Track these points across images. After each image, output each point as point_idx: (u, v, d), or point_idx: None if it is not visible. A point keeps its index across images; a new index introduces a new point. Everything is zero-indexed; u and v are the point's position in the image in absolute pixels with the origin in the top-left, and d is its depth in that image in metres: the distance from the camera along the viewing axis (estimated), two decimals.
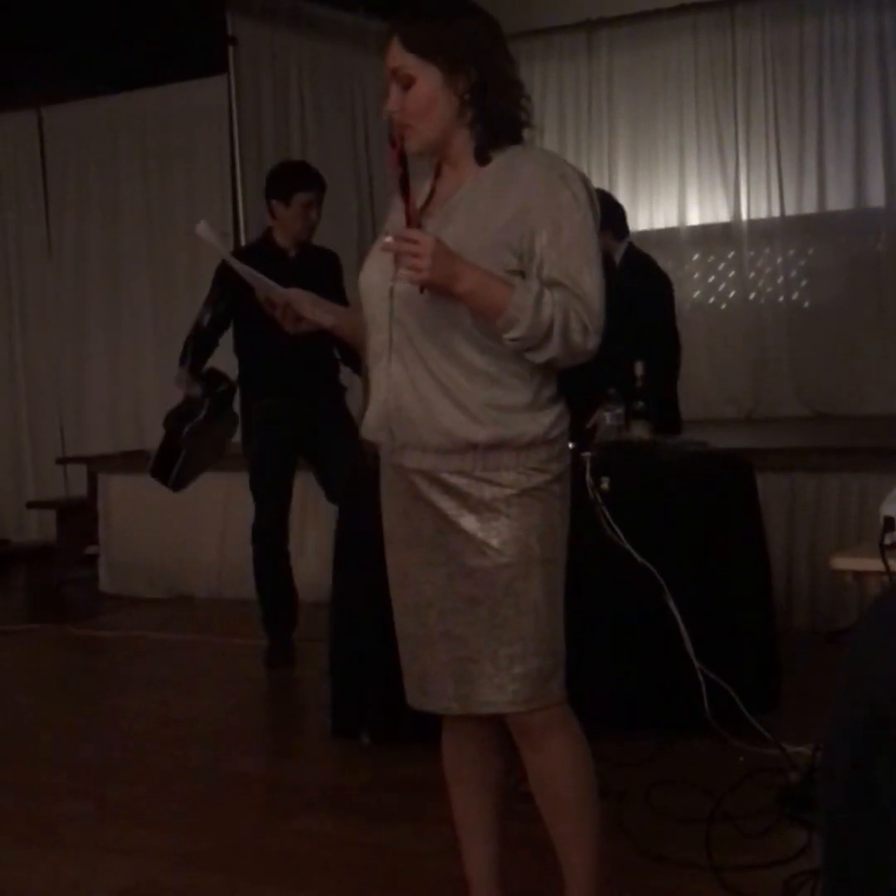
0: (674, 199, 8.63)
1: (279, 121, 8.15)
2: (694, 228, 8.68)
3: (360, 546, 3.92)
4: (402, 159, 2.22)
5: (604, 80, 8.87)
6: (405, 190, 2.22)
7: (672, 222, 8.69)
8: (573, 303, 2.24)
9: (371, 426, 2.39)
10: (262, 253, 5.01)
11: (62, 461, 8.23)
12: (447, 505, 2.32)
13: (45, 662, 5.78)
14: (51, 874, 3.16)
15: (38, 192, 8.75)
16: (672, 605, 3.62)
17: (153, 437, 8.23)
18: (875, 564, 2.55)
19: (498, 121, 2.31)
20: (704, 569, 3.91)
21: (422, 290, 2.20)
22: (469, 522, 2.31)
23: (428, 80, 2.27)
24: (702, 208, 8.65)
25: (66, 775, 3.99)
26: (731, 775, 3.39)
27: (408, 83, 2.27)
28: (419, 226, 2.22)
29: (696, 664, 3.65)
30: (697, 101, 8.50)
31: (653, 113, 8.63)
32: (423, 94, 2.27)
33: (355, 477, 4.44)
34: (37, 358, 8.83)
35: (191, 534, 6.89)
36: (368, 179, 8.64)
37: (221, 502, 6.80)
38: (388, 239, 2.20)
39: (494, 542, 2.31)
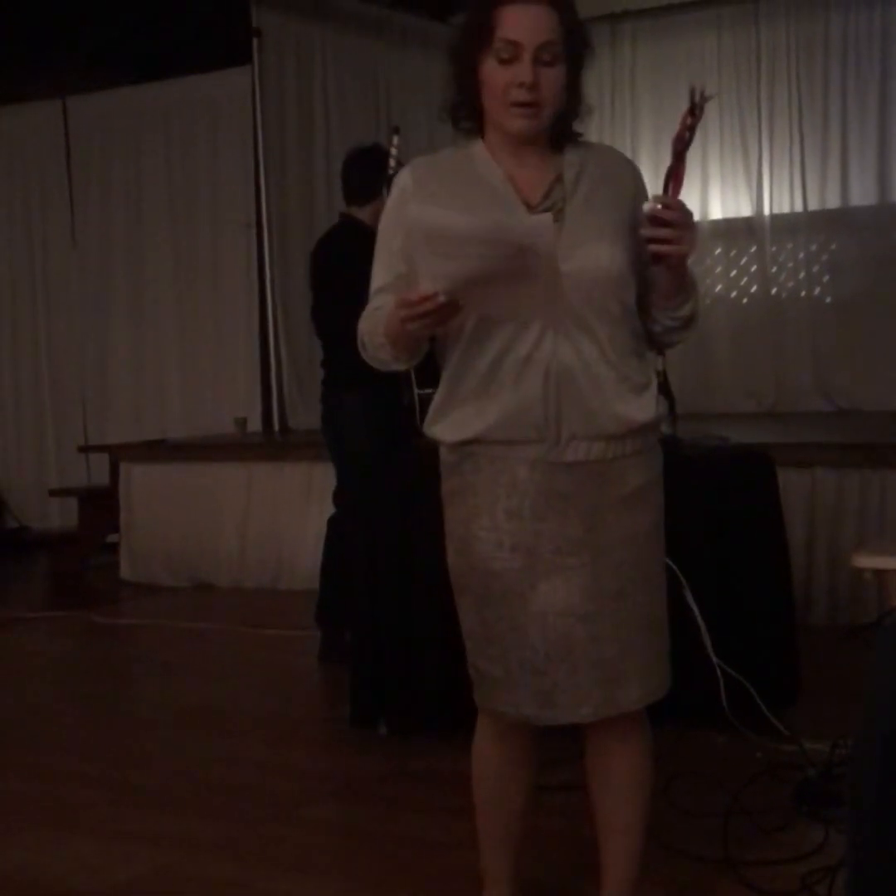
0: (696, 193, 8.61)
1: (303, 111, 8.17)
2: (716, 222, 8.66)
3: (379, 540, 3.93)
4: (695, 125, 2.08)
5: (627, 73, 8.86)
6: (682, 156, 2.12)
7: (694, 216, 8.66)
8: (694, 283, 2.33)
9: (507, 422, 2.24)
10: (360, 236, 4.63)
11: (84, 449, 8.28)
12: (603, 496, 2.26)
13: (65, 649, 5.81)
14: (68, 859, 3.19)
15: (62, 182, 8.79)
16: (690, 599, 3.62)
17: (175, 426, 8.30)
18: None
19: (577, 114, 2.32)
20: (724, 564, 3.91)
21: (657, 261, 2.17)
22: (622, 512, 2.28)
23: (564, 64, 2.22)
24: (724, 202, 8.64)
25: (85, 761, 4.01)
26: (748, 771, 3.40)
27: (552, 61, 2.19)
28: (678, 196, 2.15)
29: (715, 659, 3.65)
30: (721, 95, 8.47)
31: (675, 106, 8.59)
32: (561, 77, 2.22)
33: (378, 469, 4.45)
34: (60, 346, 8.87)
35: (212, 522, 6.92)
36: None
37: (243, 491, 6.83)
38: (649, 204, 2.12)
39: (642, 529, 2.30)
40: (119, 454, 7.38)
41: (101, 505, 7.40)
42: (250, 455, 6.99)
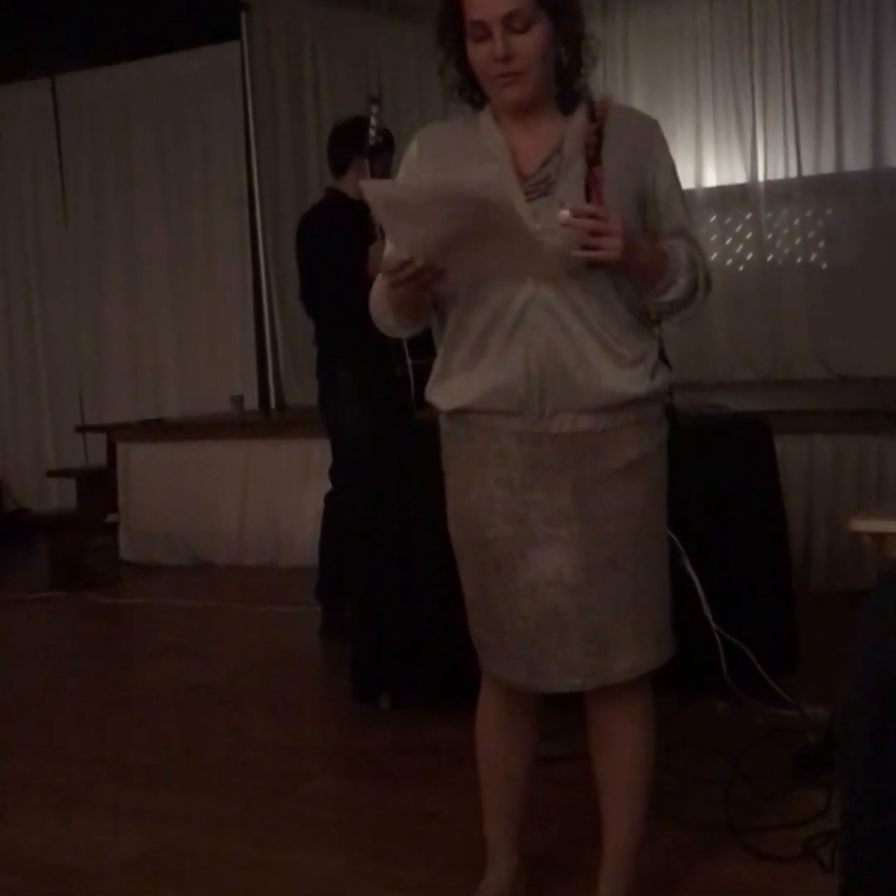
0: (690, 161, 8.56)
1: (292, 86, 8.12)
2: (711, 190, 8.63)
3: (378, 514, 3.93)
4: (600, 129, 2.09)
5: (619, 41, 8.78)
6: (596, 160, 2.10)
7: (688, 184, 8.62)
8: (697, 256, 2.30)
9: (492, 395, 2.26)
10: (344, 208, 4.76)
11: (81, 430, 8.27)
12: (592, 468, 2.26)
13: (66, 630, 5.82)
14: (73, 838, 3.20)
15: (53, 161, 8.75)
16: (689, 567, 3.62)
17: (171, 405, 8.29)
18: (894, 527, 2.55)
19: (580, 72, 2.29)
20: (722, 531, 3.91)
21: (591, 268, 2.14)
22: (614, 484, 2.27)
23: (541, 26, 2.20)
24: (719, 170, 8.60)
25: (87, 740, 4.02)
26: (749, 737, 3.40)
27: (524, 28, 2.18)
28: (600, 202, 2.10)
29: (714, 626, 3.66)
30: (714, 61, 8.43)
31: (668, 73, 8.56)
32: (539, 40, 2.20)
33: (375, 443, 4.44)
34: (55, 327, 8.85)
35: (210, 501, 6.92)
36: None
37: (241, 469, 6.83)
38: (565, 213, 2.08)
39: (637, 501, 2.29)
40: (116, 434, 7.36)
41: (99, 485, 7.39)
42: (247, 433, 6.98)
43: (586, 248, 2.10)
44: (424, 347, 4.17)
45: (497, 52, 2.18)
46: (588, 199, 2.11)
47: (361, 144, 4.69)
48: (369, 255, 4.39)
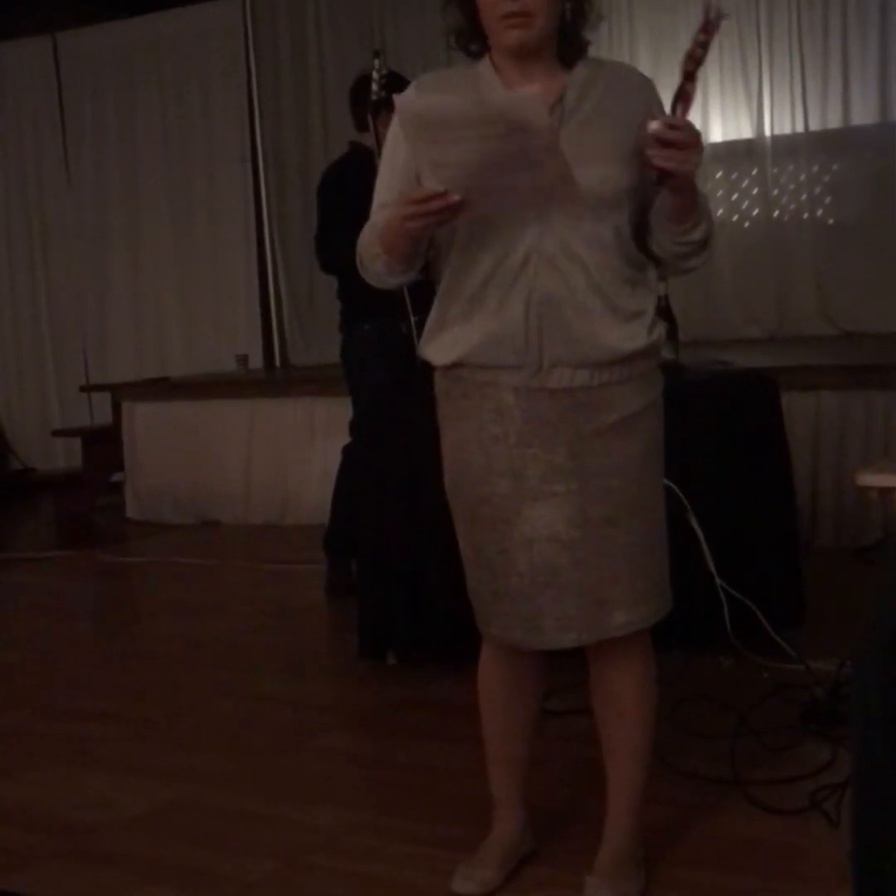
0: (696, 116, 8.45)
1: (295, 41, 8.07)
2: (716, 145, 8.55)
3: (386, 470, 3.92)
4: (708, 43, 2.06)
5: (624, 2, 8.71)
6: (692, 76, 2.08)
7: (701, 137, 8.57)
8: (706, 206, 2.29)
9: (489, 345, 2.24)
10: (366, 161, 4.62)
11: (86, 389, 8.27)
12: (589, 424, 2.25)
13: (73, 588, 5.84)
14: (85, 793, 3.21)
15: (55, 119, 8.71)
16: (695, 523, 3.62)
17: (176, 364, 8.29)
18: None
19: (584, 26, 2.28)
20: (728, 487, 3.91)
21: (661, 182, 2.14)
22: (611, 439, 2.26)
23: None
24: (724, 125, 8.52)
25: (96, 698, 4.04)
26: (755, 692, 3.41)
27: None
28: (686, 116, 2.11)
29: (719, 582, 3.66)
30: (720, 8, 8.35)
31: (674, 28, 8.49)
32: None
33: (379, 400, 4.43)
34: (59, 286, 8.84)
35: (216, 460, 6.92)
36: None
37: (246, 428, 6.83)
38: (656, 124, 2.08)
39: (634, 456, 2.28)
40: (121, 393, 7.36)
41: (104, 444, 7.39)
42: (252, 392, 6.97)
43: (665, 160, 2.09)
44: (428, 303, 4.24)
45: None
46: (674, 111, 2.11)
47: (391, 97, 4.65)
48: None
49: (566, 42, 2.28)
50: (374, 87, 4.62)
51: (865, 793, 1.57)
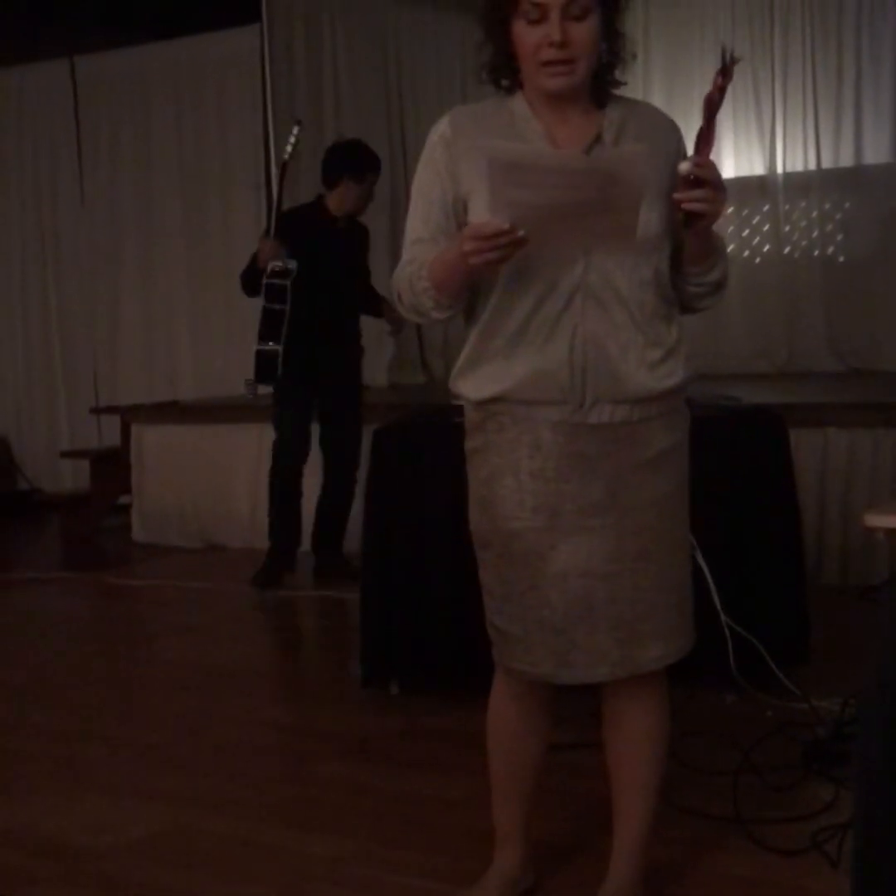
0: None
1: (312, 71, 8.11)
2: (729, 181, 8.44)
3: (392, 501, 3.93)
4: (725, 88, 2.07)
5: (640, 30, 8.75)
6: (712, 121, 2.10)
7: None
8: (723, 248, 2.35)
9: (533, 382, 2.23)
10: (313, 218, 5.27)
11: (96, 411, 8.28)
12: (625, 460, 2.27)
13: (78, 610, 5.84)
14: (84, 818, 3.21)
15: (71, 142, 8.75)
16: (700, 559, 3.61)
17: (186, 387, 8.30)
18: None
19: (619, 66, 2.30)
20: (735, 524, 3.90)
21: (688, 224, 2.17)
22: (647, 474, 2.28)
23: (596, 17, 2.20)
24: (737, 160, 8.57)
25: (98, 721, 4.03)
26: (758, 730, 3.40)
27: (582, 16, 2.17)
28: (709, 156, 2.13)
29: (724, 619, 3.65)
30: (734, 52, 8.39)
31: (688, 63, 8.54)
32: (593, 30, 2.20)
33: (387, 433, 4.44)
34: (70, 308, 8.86)
35: (223, 484, 6.93)
36: (400, 130, 8.58)
37: (254, 453, 6.83)
38: (687, 165, 2.10)
39: (667, 491, 2.31)
40: (130, 416, 7.38)
41: (112, 467, 7.41)
42: (261, 416, 6.97)
43: (694, 201, 2.12)
44: (273, 333, 5.11)
45: (554, 37, 2.16)
46: (697, 153, 2.12)
47: (354, 168, 5.35)
48: (260, 247, 5.10)
49: (601, 82, 2.30)
50: (288, 148, 5.30)
51: (867, 836, 1.57)
